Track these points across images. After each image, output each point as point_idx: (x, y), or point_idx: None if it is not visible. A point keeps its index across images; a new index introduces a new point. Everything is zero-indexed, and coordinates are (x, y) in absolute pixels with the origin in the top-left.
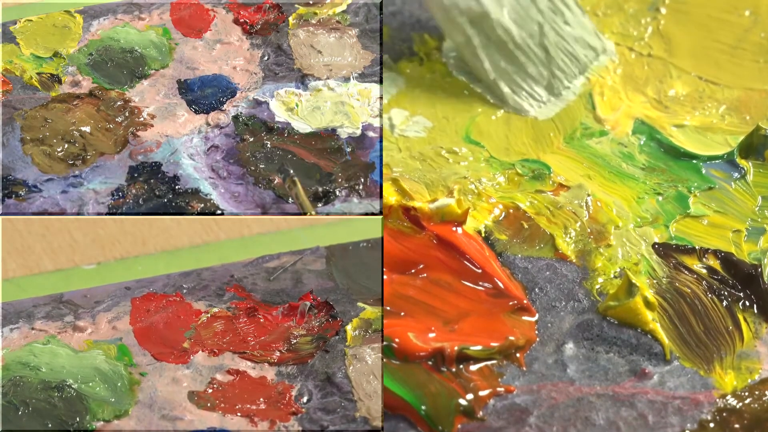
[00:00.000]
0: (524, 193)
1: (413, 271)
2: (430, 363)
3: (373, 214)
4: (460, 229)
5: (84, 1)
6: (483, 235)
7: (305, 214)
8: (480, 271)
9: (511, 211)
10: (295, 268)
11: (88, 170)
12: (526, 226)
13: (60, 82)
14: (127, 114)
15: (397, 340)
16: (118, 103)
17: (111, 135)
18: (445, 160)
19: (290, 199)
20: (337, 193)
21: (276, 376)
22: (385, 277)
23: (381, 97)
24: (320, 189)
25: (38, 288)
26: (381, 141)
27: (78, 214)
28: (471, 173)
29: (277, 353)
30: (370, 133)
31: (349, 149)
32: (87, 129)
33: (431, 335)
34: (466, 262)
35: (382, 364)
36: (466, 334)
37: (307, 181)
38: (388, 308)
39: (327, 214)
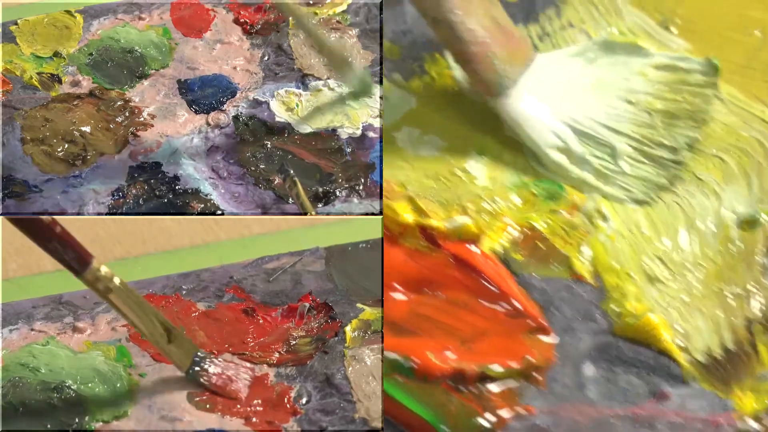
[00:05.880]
0: (539, 212)
1: (430, 290)
2: (449, 382)
3: (373, 214)
4: (476, 249)
5: (84, 1)
6: (499, 255)
7: (305, 214)
8: (497, 290)
9: (526, 231)
10: (294, 269)
11: (88, 170)
12: (541, 246)
13: (60, 81)
14: (127, 114)
15: (416, 359)
16: (119, 103)
17: (111, 135)
18: (459, 179)
19: (290, 200)
20: (337, 193)
21: (275, 377)
22: (404, 297)
23: (381, 97)
24: (320, 189)
25: (38, 288)
26: (381, 141)
27: (78, 214)
28: (485, 192)
29: (277, 354)
30: (370, 134)
31: (349, 149)
32: (87, 129)
33: (450, 355)
34: (483, 282)
35: (382, 365)
36: (484, 353)
37: (307, 182)
38: (406, 328)
39: (327, 215)
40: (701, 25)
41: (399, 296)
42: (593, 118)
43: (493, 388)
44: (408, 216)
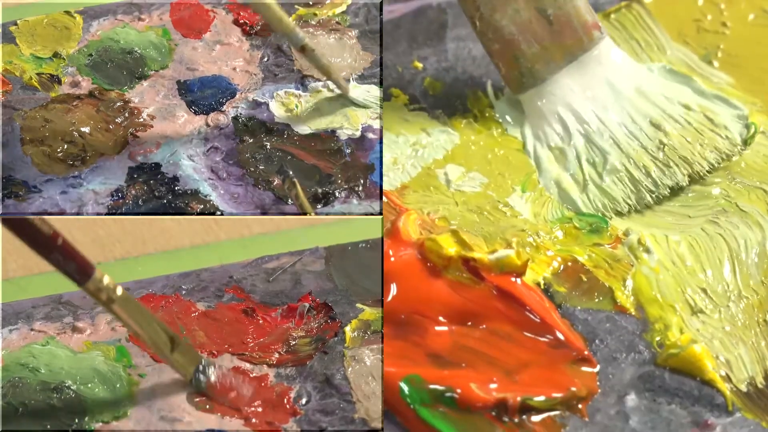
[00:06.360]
0: (582, 246)
1: (473, 322)
2: (492, 413)
3: (372, 214)
4: (519, 281)
5: (84, 2)
6: (542, 287)
7: (305, 214)
8: (540, 322)
9: (569, 263)
10: (294, 269)
11: (87, 171)
12: (584, 278)
13: (60, 82)
14: (126, 115)
15: (459, 390)
16: (118, 103)
17: (111, 136)
18: (502, 214)
19: (290, 201)
20: (337, 194)
21: (275, 377)
22: (445, 328)
23: (381, 98)
24: (320, 190)
25: (38, 288)
26: (381, 142)
27: (77, 214)
28: (528, 226)
29: (276, 355)
30: (370, 135)
31: (348, 150)
32: (87, 130)
33: (493, 386)
34: (526, 313)
35: (382, 367)
36: (527, 384)
37: (307, 183)
38: (449, 359)
39: (326, 215)
40: (744, 58)
41: (442, 328)
42: (608, 128)
43: (536, 418)
44: (451, 249)
